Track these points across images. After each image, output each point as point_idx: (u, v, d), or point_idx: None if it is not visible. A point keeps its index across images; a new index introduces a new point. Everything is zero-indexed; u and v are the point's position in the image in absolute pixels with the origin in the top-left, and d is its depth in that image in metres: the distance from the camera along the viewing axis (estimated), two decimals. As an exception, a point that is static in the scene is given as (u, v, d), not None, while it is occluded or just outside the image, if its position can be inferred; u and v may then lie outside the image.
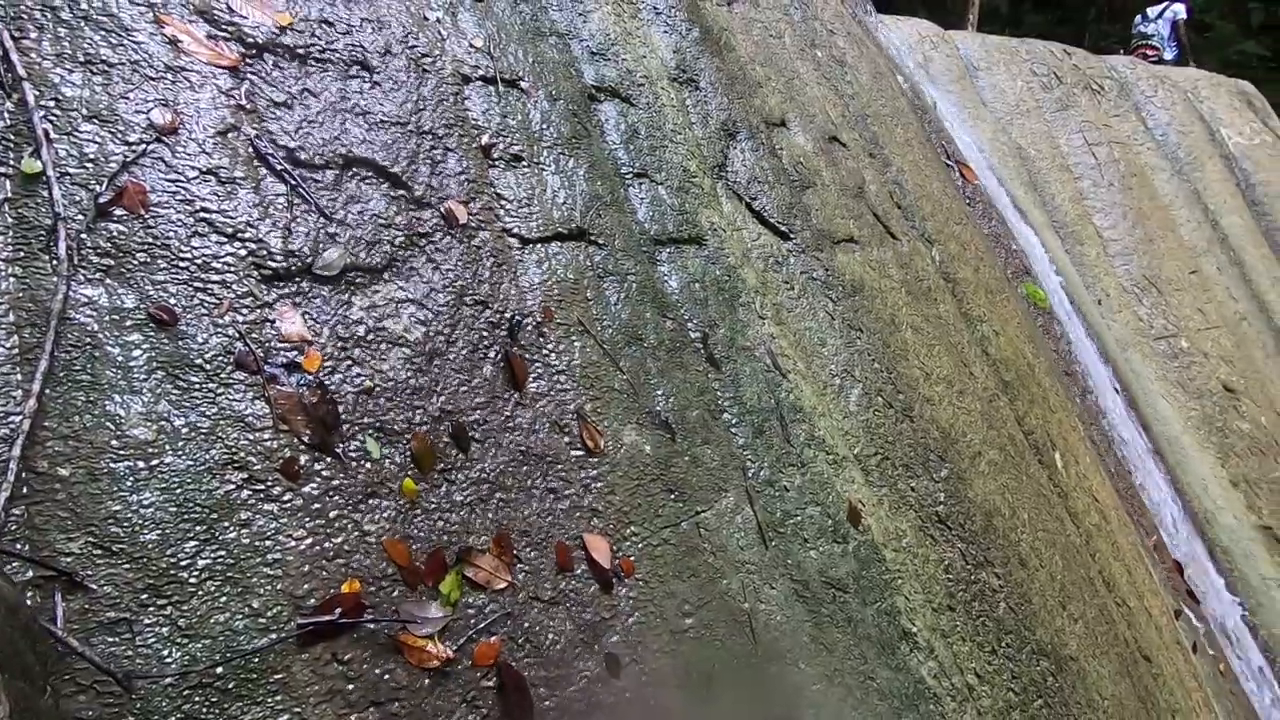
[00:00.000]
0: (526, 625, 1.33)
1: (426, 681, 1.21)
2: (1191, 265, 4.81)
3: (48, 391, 1.06)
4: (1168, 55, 6.82)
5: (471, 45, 1.79)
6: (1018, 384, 2.85)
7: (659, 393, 1.69)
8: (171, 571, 1.07)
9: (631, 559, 1.48)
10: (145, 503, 1.08)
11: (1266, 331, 4.86)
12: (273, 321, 1.27)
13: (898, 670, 1.71)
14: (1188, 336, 4.45)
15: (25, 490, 1.01)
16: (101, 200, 1.19)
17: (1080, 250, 4.53)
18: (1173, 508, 3.69)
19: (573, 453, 1.50)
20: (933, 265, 2.84)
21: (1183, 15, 6.94)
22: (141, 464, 1.09)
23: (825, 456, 1.89)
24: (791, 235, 2.26)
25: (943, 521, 2.04)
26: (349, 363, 1.33)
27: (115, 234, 1.20)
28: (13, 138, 1.17)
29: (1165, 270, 4.64)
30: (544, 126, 1.82)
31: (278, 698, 1.07)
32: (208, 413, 1.17)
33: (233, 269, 1.27)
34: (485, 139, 1.70)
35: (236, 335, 1.23)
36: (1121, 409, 3.84)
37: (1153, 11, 7.05)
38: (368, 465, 1.28)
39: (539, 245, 1.67)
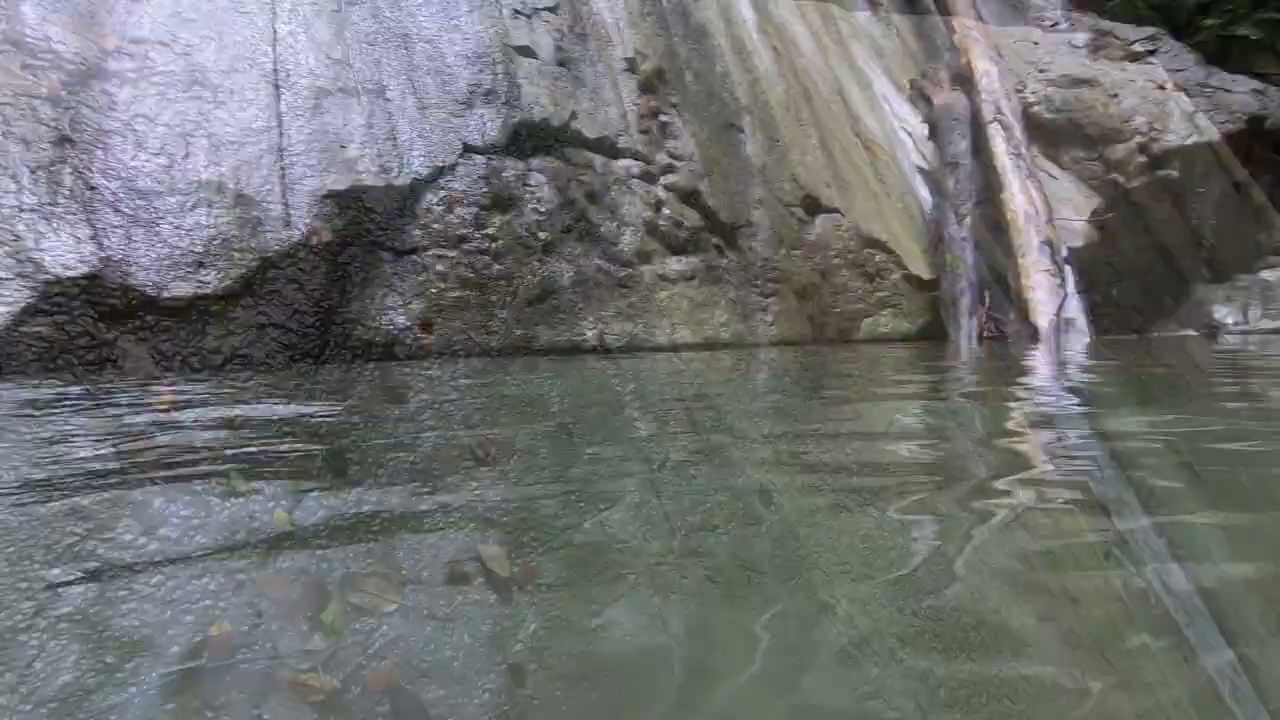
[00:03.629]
0: (421, 646, 1.29)
1: (314, 717, 1.16)
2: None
3: None
4: None
5: (329, 57, 1.74)
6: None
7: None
8: (6, 636, 1.00)
9: (533, 565, 1.46)
10: (-28, 566, 1.01)
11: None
12: (112, 343, 1.21)
13: (818, 644, 1.72)
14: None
15: None
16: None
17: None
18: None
19: (463, 464, 1.47)
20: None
21: None
22: (-35, 525, 1.02)
23: (733, 441, 1.89)
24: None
25: (856, 492, 2.07)
26: (206, 395, 1.27)
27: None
28: None
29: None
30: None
31: (139, 755, 1.01)
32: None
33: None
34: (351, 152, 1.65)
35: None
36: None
37: None
38: (233, 500, 1.22)
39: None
